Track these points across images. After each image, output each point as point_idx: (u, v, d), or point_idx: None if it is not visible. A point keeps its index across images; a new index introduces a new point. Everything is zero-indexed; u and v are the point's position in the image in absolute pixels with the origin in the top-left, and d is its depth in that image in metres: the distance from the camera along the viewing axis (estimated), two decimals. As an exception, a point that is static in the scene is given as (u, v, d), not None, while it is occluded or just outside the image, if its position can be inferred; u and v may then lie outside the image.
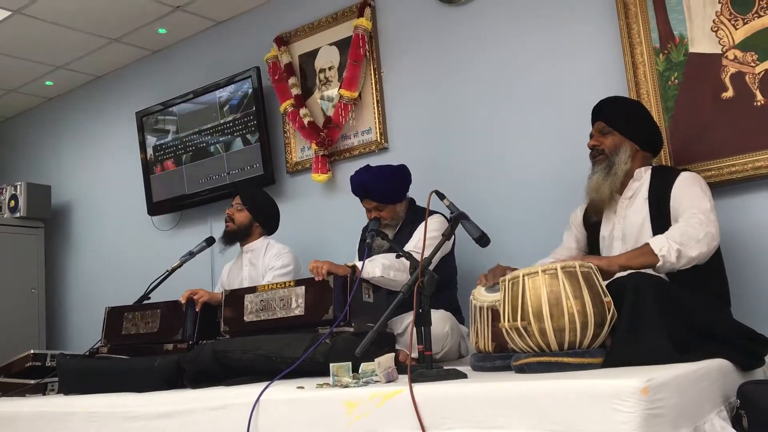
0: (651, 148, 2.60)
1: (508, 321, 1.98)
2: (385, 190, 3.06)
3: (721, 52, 2.80)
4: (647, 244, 2.18)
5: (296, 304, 2.65)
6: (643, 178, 2.51)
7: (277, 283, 2.77)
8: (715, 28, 2.82)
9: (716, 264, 2.38)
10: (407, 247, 2.83)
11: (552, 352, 1.91)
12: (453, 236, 2.99)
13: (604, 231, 2.58)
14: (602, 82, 3.07)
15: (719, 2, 2.81)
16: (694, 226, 2.23)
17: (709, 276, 2.34)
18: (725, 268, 2.44)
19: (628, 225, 2.48)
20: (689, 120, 2.85)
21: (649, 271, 2.23)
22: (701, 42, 2.85)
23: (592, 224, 2.64)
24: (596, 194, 2.54)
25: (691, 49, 2.87)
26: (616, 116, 2.57)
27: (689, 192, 2.37)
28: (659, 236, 2.22)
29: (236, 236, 3.55)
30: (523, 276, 1.97)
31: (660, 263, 2.14)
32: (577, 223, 2.72)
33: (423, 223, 2.39)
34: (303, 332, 2.52)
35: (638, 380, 1.45)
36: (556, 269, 1.95)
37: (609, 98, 2.66)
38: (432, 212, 2.98)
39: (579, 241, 2.70)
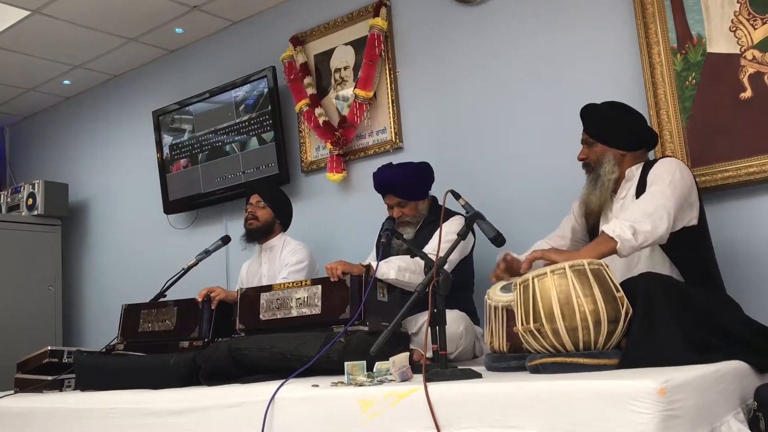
0: (641, 146, 2.55)
1: (522, 324, 1.98)
2: (409, 186, 3.05)
3: (739, 52, 2.78)
4: (603, 232, 2.18)
5: (313, 303, 2.66)
6: (634, 177, 2.49)
7: (293, 282, 2.78)
8: (734, 28, 2.80)
9: (706, 248, 2.41)
10: (426, 249, 2.80)
11: (567, 353, 1.90)
12: (474, 239, 3.00)
13: None
14: (619, 82, 3.06)
15: (738, 2, 2.79)
16: (646, 203, 2.23)
17: (701, 263, 2.36)
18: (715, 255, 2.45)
19: None
20: (707, 120, 2.83)
21: (659, 270, 2.21)
22: (719, 42, 2.83)
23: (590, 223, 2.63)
24: (586, 206, 2.57)
25: (709, 50, 2.85)
26: (595, 127, 2.56)
27: (654, 175, 2.37)
28: (612, 220, 2.23)
29: (260, 234, 3.57)
30: (533, 278, 1.97)
31: (619, 244, 2.13)
32: (577, 213, 2.70)
33: (444, 224, 2.39)
34: (319, 331, 2.52)
35: (655, 381, 1.44)
36: (564, 269, 1.94)
37: (587, 107, 2.61)
38: (454, 213, 2.97)
39: (576, 231, 2.68)
